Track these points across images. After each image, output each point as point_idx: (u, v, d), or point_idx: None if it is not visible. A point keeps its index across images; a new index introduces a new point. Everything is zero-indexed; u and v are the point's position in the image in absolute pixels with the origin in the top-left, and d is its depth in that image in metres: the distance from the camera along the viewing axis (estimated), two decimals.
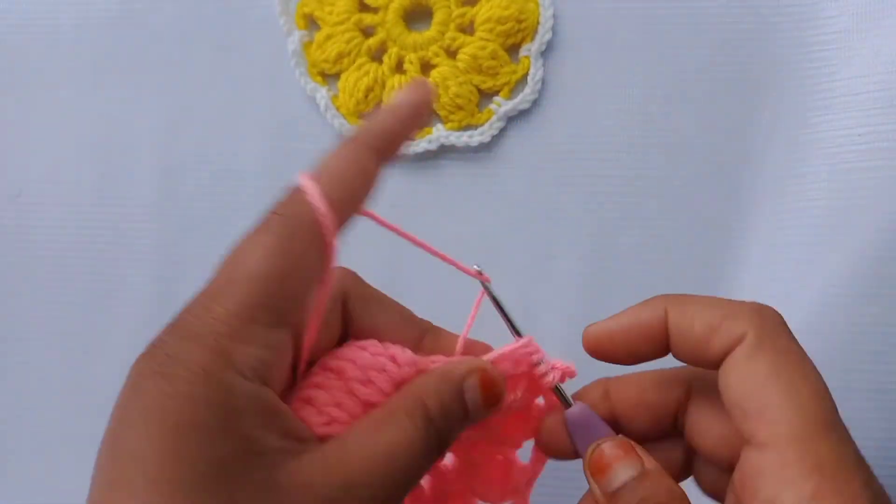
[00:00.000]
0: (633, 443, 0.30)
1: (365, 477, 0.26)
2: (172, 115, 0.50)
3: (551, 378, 0.32)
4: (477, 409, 0.30)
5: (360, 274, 0.34)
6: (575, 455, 0.32)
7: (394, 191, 0.49)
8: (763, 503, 0.26)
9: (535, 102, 0.49)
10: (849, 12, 0.46)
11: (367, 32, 0.50)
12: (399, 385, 0.30)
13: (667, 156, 0.48)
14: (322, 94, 0.49)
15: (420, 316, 0.34)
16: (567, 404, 0.32)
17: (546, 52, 0.49)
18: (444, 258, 0.33)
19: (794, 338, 0.29)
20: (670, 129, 0.48)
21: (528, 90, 0.49)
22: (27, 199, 0.51)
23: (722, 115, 0.47)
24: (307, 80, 0.50)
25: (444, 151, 0.49)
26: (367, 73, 0.49)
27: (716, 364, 0.29)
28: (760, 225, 0.47)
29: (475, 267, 0.34)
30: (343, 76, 0.49)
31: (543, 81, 0.49)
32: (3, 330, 0.51)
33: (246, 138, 0.50)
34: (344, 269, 0.33)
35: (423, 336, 0.33)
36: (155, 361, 0.25)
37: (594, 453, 0.30)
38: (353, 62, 0.49)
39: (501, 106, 0.49)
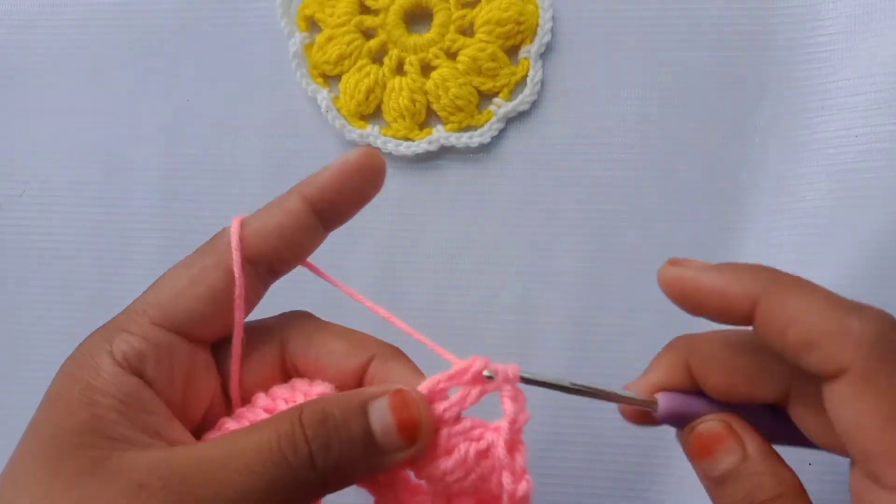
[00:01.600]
0: (733, 419, 0.27)
1: (189, 474, 0.26)
2: (174, 116, 0.51)
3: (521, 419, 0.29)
4: (389, 436, 0.27)
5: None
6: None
7: (394, 191, 0.50)
8: None
9: (534, 104, 0.49)
10: (847, 13, 0.46)
11: (367, 34, 0.50)
12: None
13: (666, 156, 0.48)
14: (323, 95, 0.50)
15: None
16: (649, 405, 0.28)
17: (545, 53, 0.49)
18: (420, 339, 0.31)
19: None
20: (669, 129, 0.48)
21: (527, 91, 0.49)
22: (29, 199, 0.51)
23: (721, 115, 0.47)
24: (308, 82, 0.50)
25: (444, 152, 0.50)
26: (367, 74, 0.49)
27: (807, 372, 0.26)
28: (759, 225, 0.47)
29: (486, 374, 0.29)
30: (344, 78, 0.50)
31: (543, 83, 0.49)
32: (3, 330, 0.51)
33: (247, 139, 0.50)
34: (293, 312, 0.33)
35: (369, 362, 0.31)
36: (70, 356, 0.29)
37: (692, 439, 0.27)
38: (354, 64, 0.49)
39: (501, 107, 0.49)
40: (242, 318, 0.30)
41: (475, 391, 0.29)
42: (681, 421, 0.29)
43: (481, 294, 0.48)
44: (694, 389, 0.29)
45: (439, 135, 0.49)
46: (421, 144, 0.49)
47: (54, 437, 0.27)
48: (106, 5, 0.51)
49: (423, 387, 0.29)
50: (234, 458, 0.26)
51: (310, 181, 0.31)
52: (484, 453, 0.29)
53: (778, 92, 0.47)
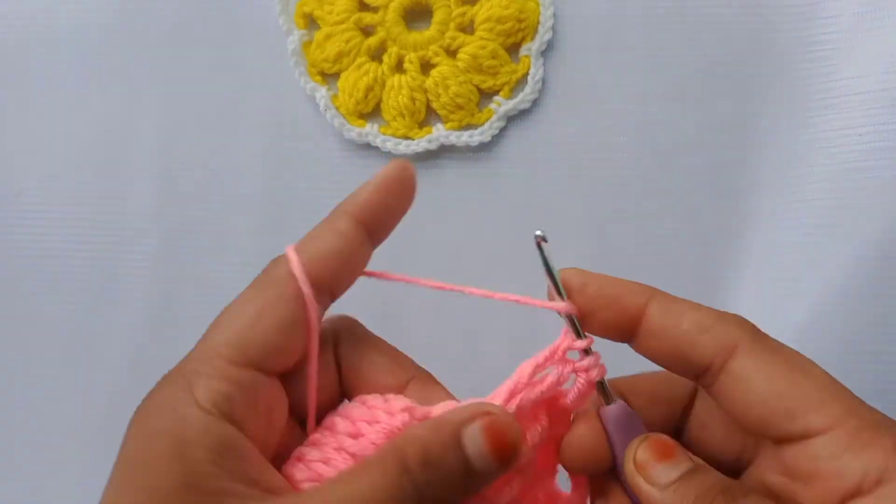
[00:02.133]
0: (674, 444, 0.29)
1: None
2: (172, 115, 0.50)
3: (595, 373, 0.30)
4: (486, 463, 0.27)
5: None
6: (605, 465, 0.30)
7: None
8: (837, 481, 0.26)
9: (535, 102, 0.49)
10: (849, 12, 0.46)
11: (366, 32, 0.50)
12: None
13: (667, 155, 0.48)
14: (322, 93, 0.49)
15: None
16: (607, 401, 0.30)
17: (546, 51, 0.49)
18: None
19: (776, 339, 0.29)
20: (670, 128, 0.48)
21: (528, 90, 0.49)
22: (27, 198, 0.51)
23: (722, 115, 0.47)
24: (307, 80, 0.50)
25: (444, 151, 0.49)
26: (366, 72, 0.49)
27: (699, 365, 0.28)
28: (760, 225, 0.47)
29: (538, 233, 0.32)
30: (343, 76, 0.49)
31: (543, 81, 0.49)
32: (2, 330, 0.51)
33: (245, 138, 0.50)
34: (341, 315, 0.33)
35: (408, 383, 0.31)
36: (143, 409, 0.28)
37: (651, 443, 0.29)
38: (353, 62, 0.49)
39: (501, 105, 0.49)
40: (317, 348, 0.30)
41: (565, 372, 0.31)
42: (623, 432, 0.30)
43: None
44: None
45: (439, 133, 0.49)
46: (420, 143, 0.49)
47: (149, 498, 0.25)
48: (104, 4, 0.51)
49: (504, 398, 0.30)
50: (337, 501, 0.26)
51: (354, 200, 0.30)
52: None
53: (780, 91, 0.47)
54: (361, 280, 0.48)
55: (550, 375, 0.30)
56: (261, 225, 0.50)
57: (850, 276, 0.43)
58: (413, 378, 0.31)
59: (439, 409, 0.29)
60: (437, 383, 0.32)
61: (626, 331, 0.30)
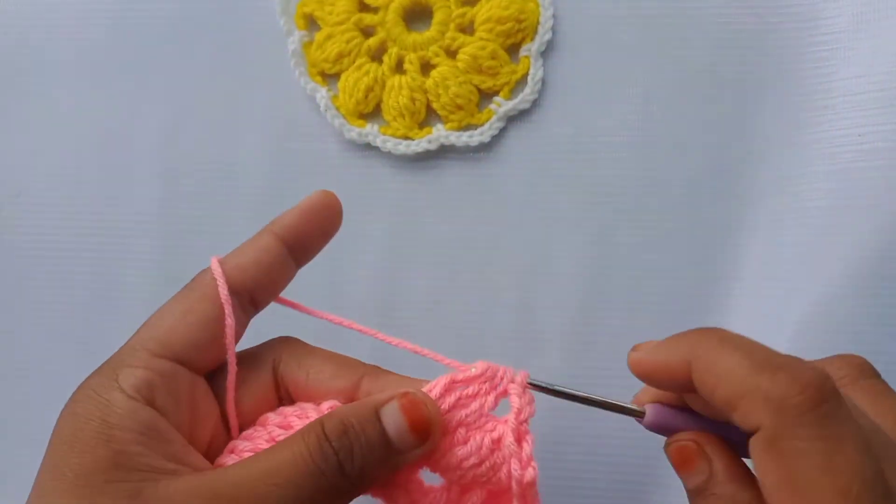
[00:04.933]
0: (706, 439, 0.29)
1: (234, 494, 0.27)
2: (173, 115, 0.50)
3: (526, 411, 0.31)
4: (403, 436, 0.29)
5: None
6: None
7: (394, 191, 0.49)
8: None
9: (534, 102, 0.49)
10: (848, 12, 0.46)
11: (367, 32, 0.50)
12: None
13: (667, 156, 0.48)
14: (322, 94, 0.49)
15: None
16: (637, 414, 0.30)
17: (546, 52, 0.49)
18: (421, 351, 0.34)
19: (820, 415, 0.25)
20: (670, 129, 0.48)
21: (527, 90, 0.49)
22: (27, 199, 0.51)
23: (722, 115, 0.47)
24: (307, 80, 0.50)
25: (444, 151, 0.49)
26: (367, 73, 0.49)
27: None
28: (760, 225, 0.47)
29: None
30: (343, 76, 0.49)
31: (543, 81, 0.49)
32: (2, 330, 0.51)
33: (246, 138, 0.50)
34: (280, 337, 0.35)
35: (360, 381, 0.33)
36: (73, 397, 0.30)
37: (672, 452, 0.29)
38: (353, 62, 0.49)
39: (501, 106, 0.49)
40: (234, 342, 0.32)
41: (491, 396, 0.32)
42: (666, 431, 0.31)
43: (481, 294, 0.48)
44: (683, 406, 0.31)
45: (439, 134, 0.49)
46: (421, 143, 0.49)
47: (78, 476, 0.27)
48: (105, 5, 0.51)
49: (431, 387, 0.31)
50: (272, 474, 0.28)
51: (279, 221, 0.33)
52: (496, 443, 0.31)
53: (779, 91, 0.47)
54: (359, 280, 0.48)
55: (473, 397, 0.32)
56: (261, 224, 0.49)
57: (850, 276, 0.43)
58: (364, 376, 0.33)
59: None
60: (388, 372, 0.33)
61: (683, 387, 0.29)
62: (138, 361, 0.30)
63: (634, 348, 0.30)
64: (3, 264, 0.51)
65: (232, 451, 0.32)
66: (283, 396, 0.34)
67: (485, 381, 0.32)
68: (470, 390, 0.32)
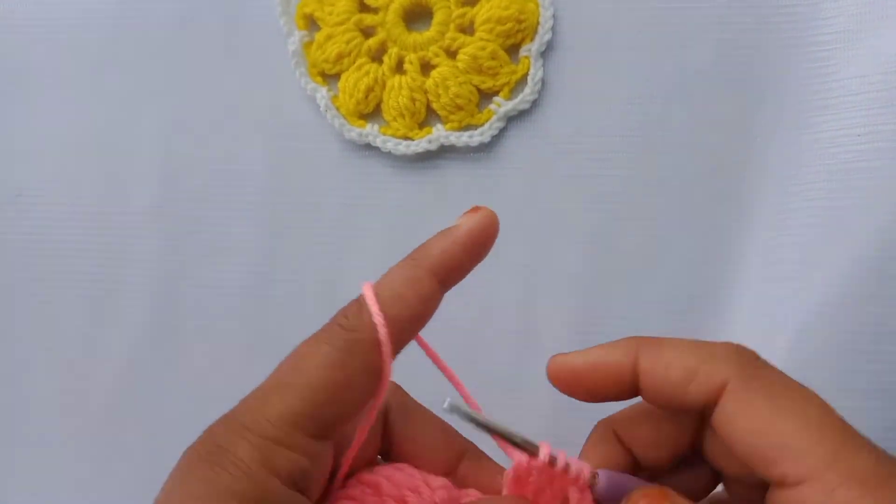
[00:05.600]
0: (666, 491, 0.28)
1: None
2: (173, 115, 0.50)
3: (585, 475, 0.29)
4: None
5: None
6: None
7: (394, 191, 0.49)
8: None
9: (534, 102, 0.49)
10: (848, 12, 0.46)
11: (367, 33, 0.50)
12: None
13: (667, 156, 0.48)
14: (322, 94, 0.49)
15: None
16: (591, 484, 0.29)
17: (546, 52, 0.49)
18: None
19: (775, 368, 0.27)
20: (670, 129, 0.48)
21: (527, 90, 0.49)
22: (27, 199, 0.51)
23: (722, 115, 0.47)
24: (307, 81, 0.50)
25: (444, 151, 0.49)
26: (367, 73, 0.49)
27: (696, 409, 0.28)
28: (760, 225, 0.47)
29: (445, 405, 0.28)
30: (343, 76, 0.49)
31: (543, 81, 0.49)
32: (2, 330, 0.51)
33: (246, 138, 0.50)
34: (391, 382, 0.31)
35: (461, 458, 0.31)
36: (205, 449, 0.25)
37: (639, 498, 0.28)
38: (354, 62, 0.49)
39: (501, 106, 0.49)
40: (372, 422, 0.29)
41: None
42: (619, 492, 0.30)
43: (481, 294, 0.48)
44: (628, 467, 0.31)
45: (439, 134, 0.49)
46: (421, 143, 0.49)
47: None
48: (105, 5, 0.51)
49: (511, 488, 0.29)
50: None
51: (437, 256, 0.29)
52: None
53: (779, 91, 0.47)
54: (358, 279, 0.48)
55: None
56: (261, 225, 0.50)
57: (850, 276, 0.43)
58: (465, 455, 0.31)
59: (471, 494, 0.30)
60: (486, 456, 0.31)
61: (629, 392, 0.29)
62: (296, 445, 0.26)
63: (553, 357, 0.30)
64: (2, 264, 0.51)
65: None
66: (383, 451, 0.32)
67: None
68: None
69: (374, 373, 0.27)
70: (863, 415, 0.42)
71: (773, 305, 0.45)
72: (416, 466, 0.31)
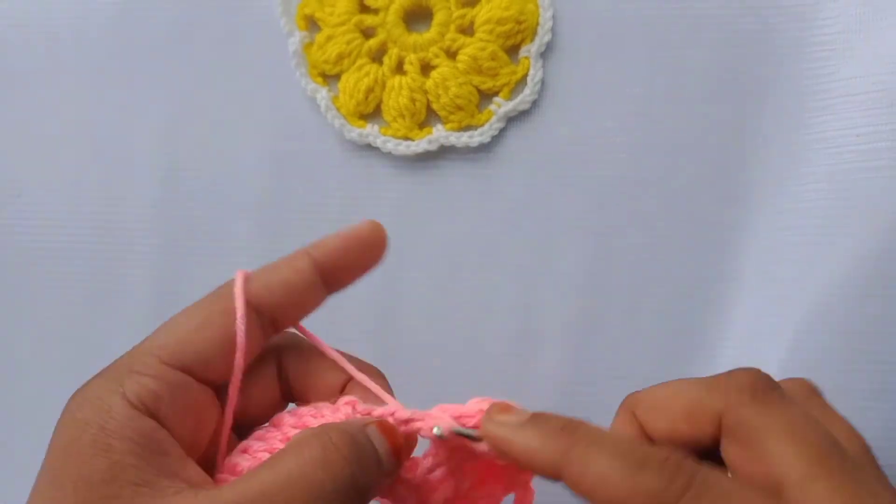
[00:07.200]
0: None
1: None
2: (173, 116, 0.50)
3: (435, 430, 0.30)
4: (387, 457, 0.29)
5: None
6: None
7: (394, 191, 0.49)
8: None
9: (534, 103, 0.49)
10: (848, 13, 0.46)
11: (367, 33, 0.50)
12: None
13: (667, 156, 0.48)
14: (322, 94, 0.49)
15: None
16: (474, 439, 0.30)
17: (546, 52, 0.49)
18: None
19: (775, 397, 0.27)
20: (670, 129, 0.48)
21: (527, 91, 0.49)
22: (27, 199, 0.51)
23: (722, 115, 0.47)
24: (308, 81, 0.50)
25: (444, 152, 0.50)
26: (367, 73, 0.49)
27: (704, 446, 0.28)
28: (760, 225, 0.47)
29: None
30: (343, 77, 0.49)
31: (543, 82, 0.49)
32: (2, 330, 0.51)
33: (246, 139, 0.50)
34: (284, 333, 0.34)
35: (345, 385, 0.33)
36: (74, 398, 0.29)
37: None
38: (354, 63, 0.49)
39: (501, 106, 0.49)
40: (241, 362, 0.31)
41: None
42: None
43: (481, 294, 0.48)
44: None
45: (439, 134, 0.49)
46: (421, 144, 0.49)
47: (77, 489, 0.27)
48: (105, 5, 0.51)
49: (389, 414, 0.31)
50: (293, 485, 0.27)
51: (319, 245, 0.32)
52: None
53: (779, 92, 0.47)
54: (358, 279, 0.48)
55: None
56: (261, 225, 0.50)
57: (850, 276, 0.43)
58: (348, 382, 0.33)
59: (382, 408, 0.31)
60: (377, 378, 0.33)
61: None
62: (147, 368, 0.29)
63: (491, 413, 0.30)
64: (2, 264, 0.51)
65: (245, 451, 0.31)
66: (286, 394, 0.34)
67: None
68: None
69: (235, 317, 0.30)
70: (863, 415, 0.42)
71: (773, 305, 0.45)
72: (319, 395, 0.33)
